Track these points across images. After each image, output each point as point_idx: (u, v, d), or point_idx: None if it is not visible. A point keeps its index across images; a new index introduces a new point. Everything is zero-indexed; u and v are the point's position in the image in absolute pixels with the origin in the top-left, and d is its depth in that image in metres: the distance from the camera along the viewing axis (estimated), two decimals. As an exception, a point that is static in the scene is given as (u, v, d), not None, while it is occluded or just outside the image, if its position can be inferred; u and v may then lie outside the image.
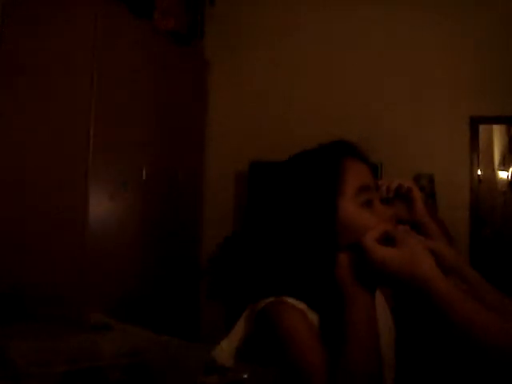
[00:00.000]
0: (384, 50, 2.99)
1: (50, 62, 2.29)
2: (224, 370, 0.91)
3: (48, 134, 2.28)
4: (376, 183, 1.04)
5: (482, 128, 2.87)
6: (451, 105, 2.88)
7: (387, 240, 0.89)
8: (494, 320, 0.76)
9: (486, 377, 0.76)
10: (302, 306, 0.96)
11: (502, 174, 2.93)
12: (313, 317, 0.97)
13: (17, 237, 2.26)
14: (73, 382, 0.84)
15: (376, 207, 0.99)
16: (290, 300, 0.96)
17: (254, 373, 0.90)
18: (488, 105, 2.81)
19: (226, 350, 1.01)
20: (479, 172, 2.86)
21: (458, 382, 0.86)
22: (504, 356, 0.73)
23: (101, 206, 2.31)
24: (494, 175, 2.93)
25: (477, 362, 0.76)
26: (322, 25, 3.10)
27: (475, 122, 2.85)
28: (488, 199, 2.91)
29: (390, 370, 1.05)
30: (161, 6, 2.75)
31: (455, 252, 0.97)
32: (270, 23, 3.19)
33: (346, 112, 2.98)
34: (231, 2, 3.28)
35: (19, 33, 2.33)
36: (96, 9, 2.27)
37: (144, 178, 2.58)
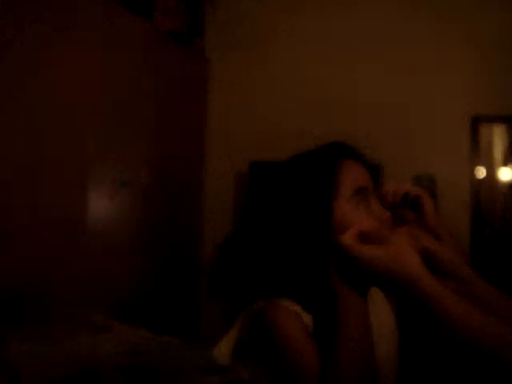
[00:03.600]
0: (384, 49, 2.99)
1: (50, 62, 2.29)
2: (224, 370, 0.91)
3: (48, 133, 2.27)
4: (374, 184, 1.04)
5: (482, 128, 2.86)
6: (451, 105, 2.88)
7: (366, 240, 0.87)
8: (485, 319, 0.76)
9: (484, 379, 0.75)
10: (296, 307, 0.96)
11: (503, 174, 2.92)
12: (307, 319, 0.97)
13: (16, 236, 2.26)
14: (72, 383, 0.84)
15: (373, 208, 0.99)
16: (285, 302, 0.96)
17: (253, 373, 0.90)
18: (488, 104, 2.81)
19: (223, 350, 1.02)
20: (479, 172, 2.85)
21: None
22: (495, 358, 0.73)
23: (100, 206, 2.31)
24: (495, 175, 2.93)
25: (473, 364, 0.76)
26: (322, 24, 3.10)
27: (475, 122, 2.85)
28: (489, 199, 2.90)
29: (390, 371, 1.05)
30: (161, 5, 2.75)
31: (454, 253, 0.96)
32: (271, 22, 3.19)
33: (346, 112, 2.98)
34: (231, 1, 3.28)
35: (18, 32, 2.33)
36: (95, 8, 2.27)
37: (144, 178, 2.57)
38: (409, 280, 0.79)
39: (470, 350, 0.74)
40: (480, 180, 2.85)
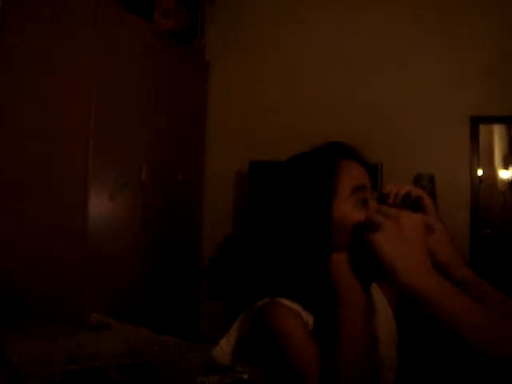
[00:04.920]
0: (384, 49, 2.99)
1: (50, 63, 2.29)
2: (224, 370, 0.91)
3: (48, 133, 2.27)
4: (372, 183, 1.04)
5: (482, 128, 2.86)
6: (451, 105, 2.88)
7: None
8: (487, 314, 0.76)
9: (484, 379, 0.75)
10: (296, 307, 0.97)
11: (503, 174, 2.93)
12: (308, 318, 0.97)
13: (17, 237, 2.26)
14: (72, 382, 0.84)
15: (371, 207, 0.99)
16: (285, 301, 0.96)
17: (254, 373, 0.90)
18: (488, 105, 2.81)
19: (224, 349, 1.02)
20: (479, 172, 2.86)
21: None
22: (496, 355, 0.73)
23: (101, 206, 2.31)
24: (495, 175, 2.93)
25: (473, 363, 0.76)
26: (322, 25, 3.10)
27: (475, 122, 2.85)
28: (488, 199, 2.91)
29: (390, 371, 1.05)
30: (160, 5, 2.76)
31: (453, 253, 0.96)
32: (270, 23, 3.19)
33: (346, 112, 2.98)
34: (231, 2, 3.28)
35: (19, 32, 2.33)
36: (96, 9, 2.27)
37: (144, 178, 2.58)
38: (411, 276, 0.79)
39: (472, 348, 0.74)
40: (479, 180, 2.85)
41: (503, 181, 2.92)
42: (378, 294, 1.09)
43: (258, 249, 1.04)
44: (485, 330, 0.74)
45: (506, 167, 2.92)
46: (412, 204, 1.06)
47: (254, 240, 1.06)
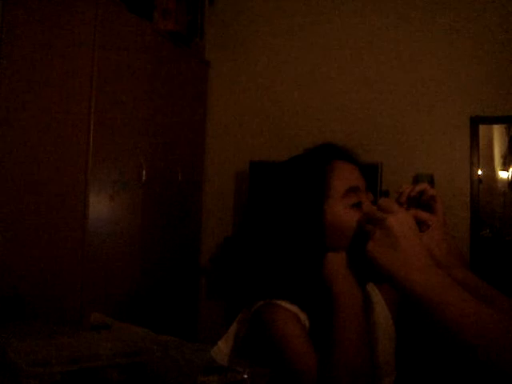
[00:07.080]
0: (384, 50, 2.99)
1: (50, 63, 2.29)
2: (224, 370, 0.91)
3: (48, 134, 2.28)
4: (366, 184, 1.03)
5: (481, 128, 2.86)
6: (451, 105, 2.88)
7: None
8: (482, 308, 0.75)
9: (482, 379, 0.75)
10: (294, 308, 0.97)
11: (502, 174, 2.93)
12: (305, 319, 0.98)
13: (17, 236, 2.26)
14: (72, 382, 0.84)
15: (365, 209, 0.99)
16: (283, 303, 0.97)
17: (253, 373, 0.90)
18: (488, 105, 2.81)
19: (222, 349, 1.03)
20: (479, 172, 2.86)
21: None
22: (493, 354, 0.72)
23: (101, 206, 2.31)
24: (494, 175, 2.93)
25: (471, 364, 0.75)
26: (322, 25, 3.10)
27: (475, 122, 2.85)
28: (488, 199, 2.91)
29: (388, 372, 1.05)
30: (161, 6, 2.76)
31: (454, 254, 0.96)
32: (270, 23, 3.19)
33: (346, 112, 2.98)
34: (231, 2, 3.29)
35: (19, 33, 2.33)
36: (96, 9, 2.27)
37: (144, 178, 2.58)
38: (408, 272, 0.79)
39: (468, 346, 0.73)
40: (479, 180, 2.85)
41: (503, 181, 2.92)
42: (375, 296, 1.09)
43: (255, 250, 1.04)
44: (484, 329, 0.73)
45: (505, 167, 2.92)
46: (424, 204, 1.04)
47: (252, 241, 1.06)
